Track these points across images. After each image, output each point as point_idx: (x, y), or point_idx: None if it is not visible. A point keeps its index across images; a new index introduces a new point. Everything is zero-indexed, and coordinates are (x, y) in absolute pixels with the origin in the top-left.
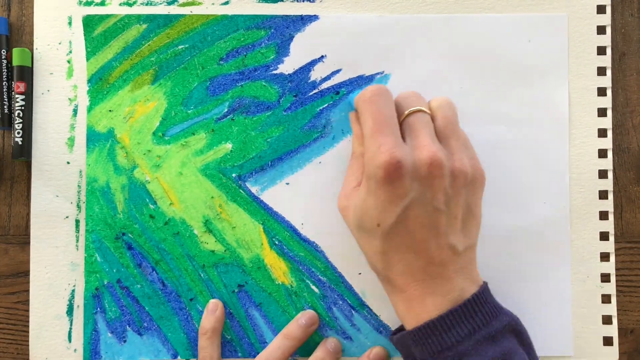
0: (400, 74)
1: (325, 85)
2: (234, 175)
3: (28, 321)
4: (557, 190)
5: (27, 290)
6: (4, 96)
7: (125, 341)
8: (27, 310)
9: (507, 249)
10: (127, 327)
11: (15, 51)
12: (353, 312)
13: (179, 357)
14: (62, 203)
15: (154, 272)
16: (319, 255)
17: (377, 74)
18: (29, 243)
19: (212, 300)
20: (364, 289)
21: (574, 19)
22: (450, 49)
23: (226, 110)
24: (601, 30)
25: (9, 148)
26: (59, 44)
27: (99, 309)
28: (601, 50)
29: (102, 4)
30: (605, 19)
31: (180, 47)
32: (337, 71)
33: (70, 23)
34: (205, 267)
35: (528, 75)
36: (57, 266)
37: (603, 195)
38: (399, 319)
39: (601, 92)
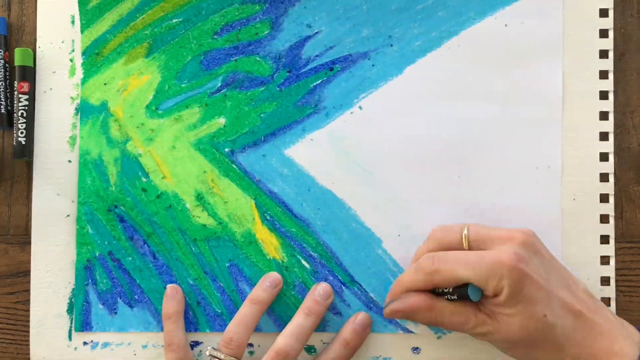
0: (394, 51)
1: (319, 62)
2: (226, 150)
3: (28, 321)
4: (549, 171)
5: (27, 290)
6: (1, 96)
7: (116, 313)
8: (27, 310)
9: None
10: (118, 299)
11: (17, 51)
12: (343, 288)
13: None
14: (63, 201)
15: (146, 245)
16: (310, 231)
17: (371, 51)
18: (28, 243)
19: (169, 285)
20: (355, 266)
21: (576, 21)
22: (447, 28)
23: (220, 84)
24: (603, 33)
25: (9, 148)
26: (62, 42)
27: (90, 280)
28: (603, 54)
29: None
30: (608, 23)
31: (174, 20)
32: (331, 47)
33: (73, 21)
34: (197, 240)
35: (522, 56)
36: (57, 264)
37: (604, 198)
38: None
39: (603, 95)
